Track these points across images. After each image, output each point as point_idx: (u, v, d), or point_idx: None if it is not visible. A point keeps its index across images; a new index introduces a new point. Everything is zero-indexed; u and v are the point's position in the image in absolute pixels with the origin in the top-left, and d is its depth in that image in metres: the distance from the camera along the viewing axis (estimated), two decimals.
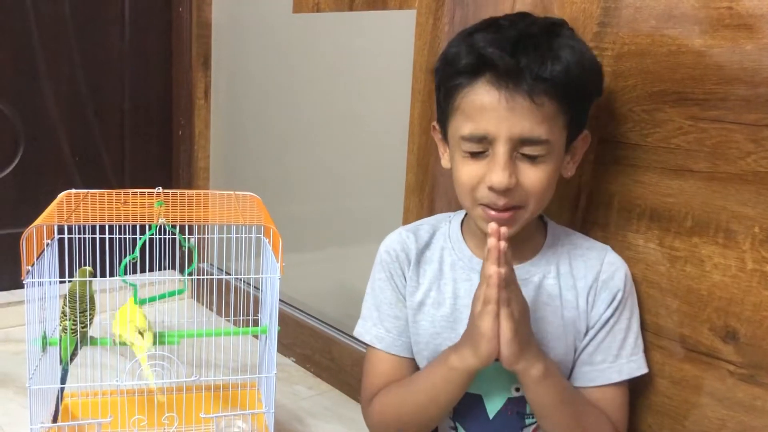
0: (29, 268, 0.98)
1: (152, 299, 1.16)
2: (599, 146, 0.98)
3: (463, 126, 0.84)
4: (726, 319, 0.86)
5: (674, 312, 0.91)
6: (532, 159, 0.83)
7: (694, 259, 0.89)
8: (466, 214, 0.99)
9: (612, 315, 0.89)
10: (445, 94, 0.87)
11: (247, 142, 1.86)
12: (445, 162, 0.93)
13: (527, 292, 0.89)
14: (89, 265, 1.11)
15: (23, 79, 1.80)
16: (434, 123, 0.95)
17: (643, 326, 0.93)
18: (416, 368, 1.00)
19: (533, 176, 0.83)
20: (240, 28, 1.83)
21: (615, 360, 0.89)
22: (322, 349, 1.61)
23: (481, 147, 0.83)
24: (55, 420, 1.11)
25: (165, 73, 2.02)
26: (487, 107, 0.81)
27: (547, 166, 0.83)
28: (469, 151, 0.84)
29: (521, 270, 0.91)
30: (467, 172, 0.85)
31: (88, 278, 1.07)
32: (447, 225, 1.00)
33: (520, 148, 0.82)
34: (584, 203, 1.01)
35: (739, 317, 0.85)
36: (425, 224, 1.02)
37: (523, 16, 0.87)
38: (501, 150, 0.81)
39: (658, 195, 0.92)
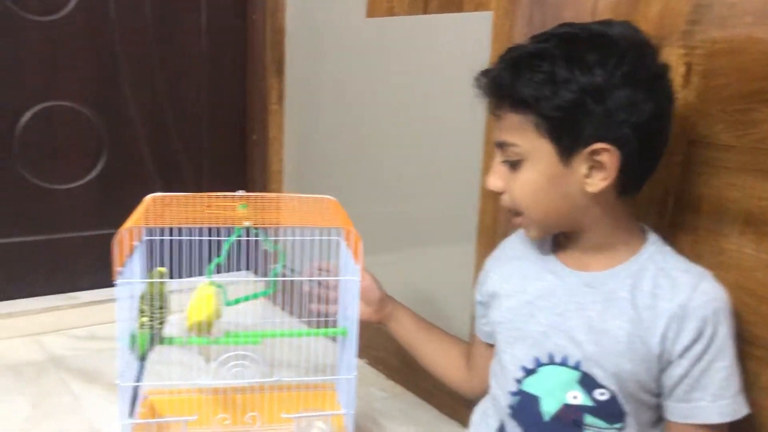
0: (120, 269, 1.02)
1: (238, 301, 1.19)
2: (688, 148, 0.95)
3: None
4: None
5: None
6: (511, 165, 0.89)
7: None
8: None
9: (705, 351, 0.83)
10: None
11: (320, 147, 1.88)
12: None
13: (595, 298, 0.88)
14: (169, 267, 1.14)
15: (107, 87, 1.87)
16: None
17: (738, 335, 0.90)
18: (488, 359, 1.06)
19: (514, 182, 0.89)
20: (313, 34, 1.85)
21: (714, 400, 0.84)
22: (395, 352, 1.61)
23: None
24: (132, 414, 1.15)
25: (240, 79, 2.07)
26: None
27: (527, 173, 0.88)
28: None
29: (594, 278, 0.90)
30: None
31: (160, 279, 1.10)
32: None
33: (501, 154, 0.90)
34: (671, 206, 0.98)
35: None
36: None
37: (536, 37, 0.89)
38: (495, 157, 0.91)
39: (753, 198, 0.88)
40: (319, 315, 1.22)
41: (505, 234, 1.27)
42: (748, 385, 0.89)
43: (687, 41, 0.93)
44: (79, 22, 1.80)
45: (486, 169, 1.31)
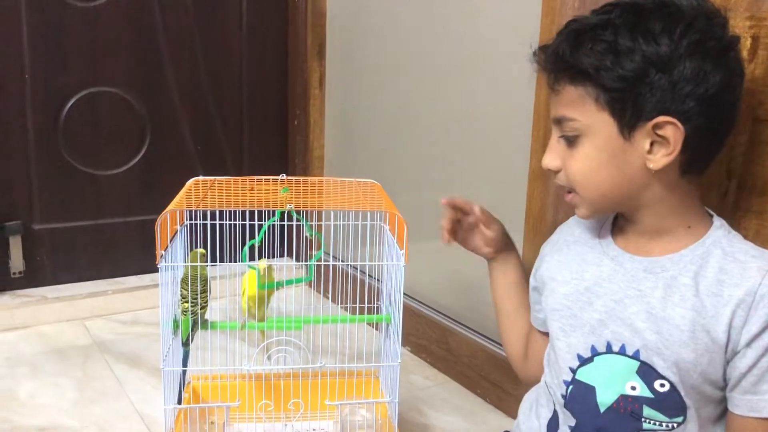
0: (162, 252, 1.01)
1: (279, 284, 1.17)
2: (754, 126, 0.90)
3: None
4: None
5: None
6: (568, 141, 0.85)
7: None
8: None
9: None
10: None
11: (361, 131, 1.86)
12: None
13: (655, 284, 0.84)
14: (213, 250, 1.13)
15: (149, 71, 1.88)
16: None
17: None
18: (542, 346, 1.03)
19: (571, 160, 0.85)
20: (355, 17, 1.82)
21: None
22: (438, 340, 1.58)
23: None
24: (179, 401, 1.14)
25: (281, 63, 2.05)
26: None
27: (585, 149, 0.84)
28: None
29: (656, 263, 0.85)
30: None
31: (199, 262, 1.09)
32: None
33: (558, 130, 0.86)
34: (735, 189, 0.92)
35: None
36: None
37: (603, 7, 0.84)
38: (552, 134, 0.87)
39: None
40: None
41: (554, 221, 1.23)
42: None
43: (754, 11, 0.88)
44: (121, 8, 1.80)
45: (535, 153, 1.27)
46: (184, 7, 1.89)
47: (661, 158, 0.80)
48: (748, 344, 0.79)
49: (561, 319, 0.92)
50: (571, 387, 0.90)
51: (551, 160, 0.87)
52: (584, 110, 0.82)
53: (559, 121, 0.85)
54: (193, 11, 1.91)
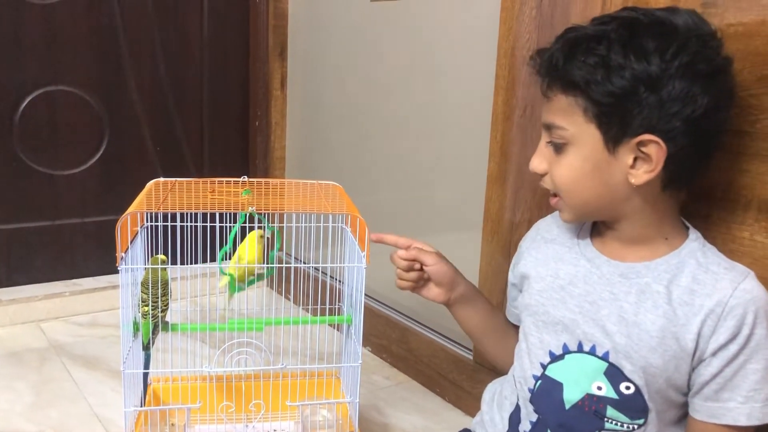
0: (123, 254, 1.01)
1: (250, 283, 1.18)
2: None
3: None
4: None
5: None
6: (556, 147, 0.87)
7: None
8: None
9: (740, 351, 0.81)
10: None
11: (323, 133, 1.87)
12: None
13: (629, 290, 0.86)
14: (174, 252, 1.13)
15: (108, 70, 1.86)
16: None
17: None
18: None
19: (556, 166, 0.87)
20: (317, 18, 1.83)
21: (746, 401, 0.82)
22: (398, 340, 1.60)
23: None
24: (142, 404, 1.14)
25: (242, 64, 2.05)
26: None
27: (571, 158, 0.86)
28: None
29: (631, 269, 0.87)
30: None
31: (160, 266, 1.09)
32: None
33: (547, 135, 0.88)
34: (684, 193, 0.96)
35: None
36: None
37: (598, 18, 0.86)
38: (542, 138, 0.89)
39: (766, 185, 0.87)
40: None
41: (512, 223, 1.26)
42: None
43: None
44: (79, 5, 1.78)
45: (493, 156, 1.29)
46: (145, 6, 1.87)
47: (642, 174, 0.82)
48: (714, 353, 0.81)
49: (534, 315, 0.95)
50: (539, 382, 0.92)
51: (539, 163, 0.89)
52: (573, 120, 0.84)
53: (549, 127, 0.87)
54: (154, 10, 1.89)
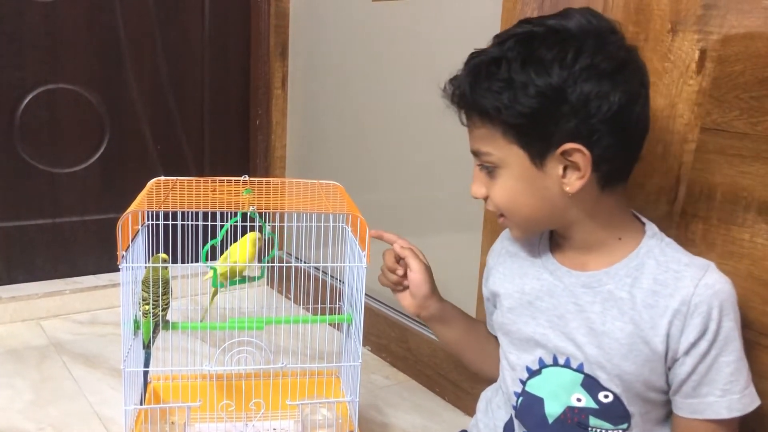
0: (124, 253, 1.01)
1: (232, 283, 1.18)
2: (701, 135, 0.94)
3: None
4: None
5: None
6: (488, 171, 0.87)
7: None
8: None
9: (711, 346, 0.81)
10: None
11: (323, 132, 1.87)
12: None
13: (594, 299, 0.86)
14: (175, 251, 1.14)
15: (109, 69, 1.86)
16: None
17: (748, 325, 0.89)
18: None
19: (494, 189, 0.87)
20: (318, 18, 1.83)
21: (724, 395, 0.82)
22: (398, 339, 1.60)
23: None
24: (141, 402, 1.14)
25: (243, 63, 2.05)
26: None
27: (503, 180, 0.86)
28: None
29: (593, 278, 0.87)
30: None
31: (161, 264, 1.09)
32: None
33: (478, 161, 0.88)
34: (684, 195, 0.96)
35: None
36: None
37: (497, 37, 0.86)
38: (475, 165, 0.90)
39: (767, 187, 0.87)
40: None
41: None
42: (762, 376, 0.88)
43: (702, 26, 0.91)
44: (80, 4, 1.78)
45: None
46: (146, 5, 1.87)
47: (575, 181, 0.82)
48: (687, 352, 0.82)
49: (508, 334, 0.95)
50: (521, 399, 0.92)
51: (477, 189, 0.89)
52: (496, 144, 0.84)
53: (476, 154, 0.88)
54: (155, 9, 1.89)
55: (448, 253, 1.47)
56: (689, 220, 0.95)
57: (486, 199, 0.90)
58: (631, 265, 0.86)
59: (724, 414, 0.82)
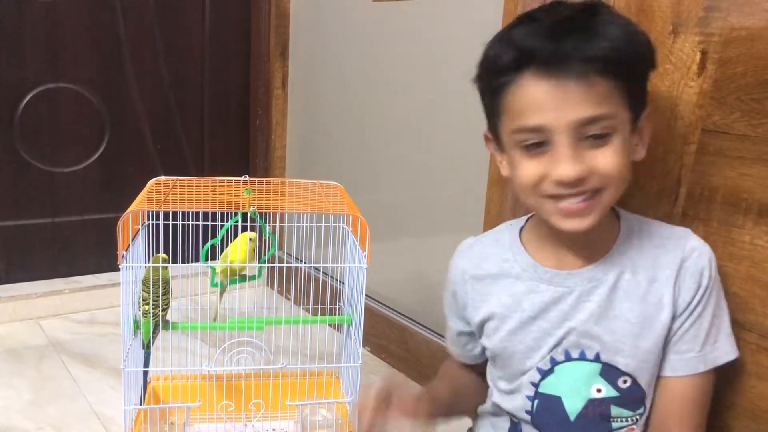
0: (124, 252, 1.01)
1: (232, 282, 1.18)
2: (702, 136, 0.93)
3: (514, 122, 0.81)
4: None
5: None
6: (599, 139, 0.78)
7: None
8: (526, 221, 0.95)
9: (699, 302, 0.85)
10: (491, 98, 0.84)
11: (323, 132, 1.87)
12: (504, 170, 0.89)
13: (600, 290, 0.86)
14: (175, 251, 1.14)
15: (109, 68, 1.85)
16: (486, 132, 0.90)
17: (749, 327, 0.89)
18: (481, 371, 1.00)
19: (607, 157, 0.78)
20: (318, 18, 1.83)
21: (701, 349, 0.85)
22: (397, 340, 1.60)
23: (537, 137, 0.79)
24: (141, 402, 1.14)
25: (243, 63, 2.05)
26: (537, 100, 0.77)
27: (616, 145, 0.78)
28: (525, 142, 0.80)
29: (593, 272, 0.86)
30: (527, 170, 0.81)
31: (161, 264, 1.09)
32: (507, 233, 0.95)
33: (583, 132, 0.77)
34: (684, 196, 0.96)
35: None
36: (487, 236, 0.99)
37: (557, 3, 0.83)
38: (562, 141, 0.77)
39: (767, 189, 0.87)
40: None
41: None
42: (763, 378, 0.88)
43: (703, 28, 0.91)
44: (81, 3, 1.78)
45: (494, 159, 1.29)
46: (146, 4, 1.87)
47: (642, 150, 0.84)
48: (682, 312, 0.85)
49: (515, 354, 0.90)
50: (536, 401, 0.90)
51: (574, 166, 0.77)
52: (613, 104, 0.77)
53: (593, 120, 0.77)
54: (155, 8, 1.89)
55: (446, 255, 1.46)
56: (689, 222, 0.95)
57: (578, 180, 0.78)
58: (622, 248, 0.87)
59: (700, 368, 0.85)
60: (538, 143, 0.79)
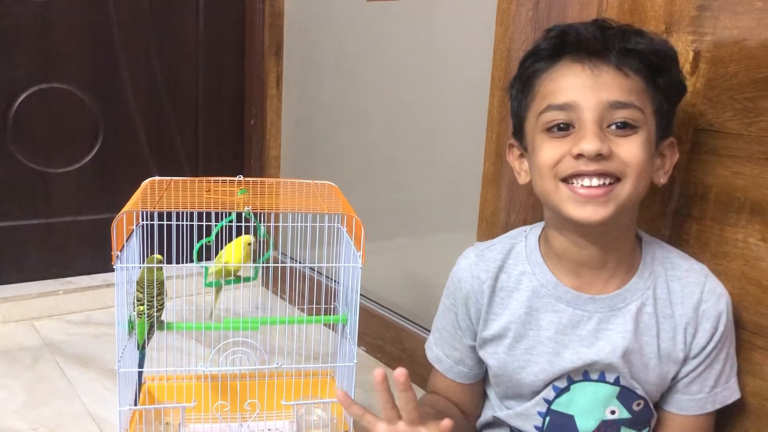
0: (118, 253, 1.01)
1: (227, 283, 1.18)
2: (695, 135, 0.94)
3: (544, 102, 0.81)
4: None
5: None
6: (624, 128, 0.78)
7: None
8: (543, 229, 0.92)
9: (714, 348, 0.85)
10: (524, 85, 0.85)
11: (318, 132, 1.87)
12: (522, 177, 0.89)
13: (621, 324, 0.85)
14: (169, 251, 1.13)
15: (103, 68, 1.85)
16: (511, 141, 0.91)
17: (742, 325, 0.89)
18: (473, 393, 0.98)
19: (630, 147, 0.78)
20: (313, 18, 1.83)
21: (711, 390, 0.86)
22: (393, 339, 1.60)
23: (564, 116, 0.79)
24: (136, 403, 1.14)
25: (238, 63, 2.04)
26: (571, 80, 0.79)
27: (640, 139, 0.78)
28: (550, 123, 0.80)
29: (618, 298, 0.85)
30: (547, 150, 0.80)
31: (156, 265, 1.09)
32: (523, 242, 0.92)
33: (610, 116, 0.78)
34: (677, 195, 0.97)
35: None
36: (498, 244, 0.94)
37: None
38: (589, 118, 0.77)
39: (760, 187, 0.87)
40: None
41: (506, 223, 1.26)
42: (754, 375, 0.89)
43: (696, 27, 0.92)
44: (74, 2, 1.77)
45: (488, 157, 1.30)
46: (140, 4, 1.87)
47: (664, 175, 0.85)
48: (696, 355, 0.85)
49: (529, 373, 0.88)
50: (548, 418, 0.89)
51: (600, 142, 0.76)
52: (645, 103, 0.80)
53: (623, 106, 0.78)
54: (149, 8, 1.88)
55: (442, 254, 1.47)
56: (683, 220, 0.96)
57: (599, 160, 0.77)
58: (645, 274, 0.87)
59: (709, 408, 0.86)
60: (564, 126, 0.79)
